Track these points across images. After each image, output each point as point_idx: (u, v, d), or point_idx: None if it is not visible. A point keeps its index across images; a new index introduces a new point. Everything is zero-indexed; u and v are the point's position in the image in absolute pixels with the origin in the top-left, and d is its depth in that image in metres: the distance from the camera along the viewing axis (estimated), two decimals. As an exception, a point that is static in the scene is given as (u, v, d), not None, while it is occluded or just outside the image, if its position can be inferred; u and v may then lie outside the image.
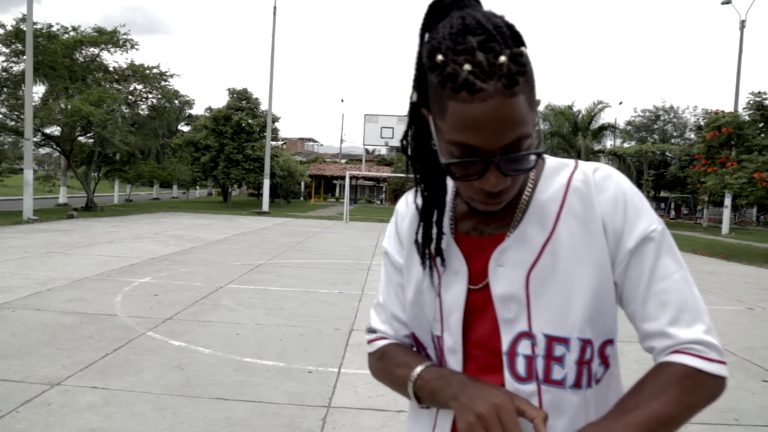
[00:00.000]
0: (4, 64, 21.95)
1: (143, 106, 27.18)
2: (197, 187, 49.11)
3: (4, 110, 22.00)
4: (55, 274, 7.72)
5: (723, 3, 24.16)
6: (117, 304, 6.12)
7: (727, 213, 24.65)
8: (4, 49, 21.66)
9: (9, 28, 21.16)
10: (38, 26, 20.90)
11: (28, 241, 11.24)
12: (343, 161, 56.11)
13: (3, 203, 24.68)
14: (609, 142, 38.38)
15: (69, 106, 20.58)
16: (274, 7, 25.67)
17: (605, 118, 34.07)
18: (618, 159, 33.40)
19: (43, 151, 30.39)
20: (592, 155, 32.92)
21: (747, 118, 16.56)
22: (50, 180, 26.47)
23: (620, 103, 60.00)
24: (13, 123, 21.76)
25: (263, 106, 30.47)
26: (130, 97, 25.20)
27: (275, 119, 31.11)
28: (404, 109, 0.91)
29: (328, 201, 46.15)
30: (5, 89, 21.97)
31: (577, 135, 32.45)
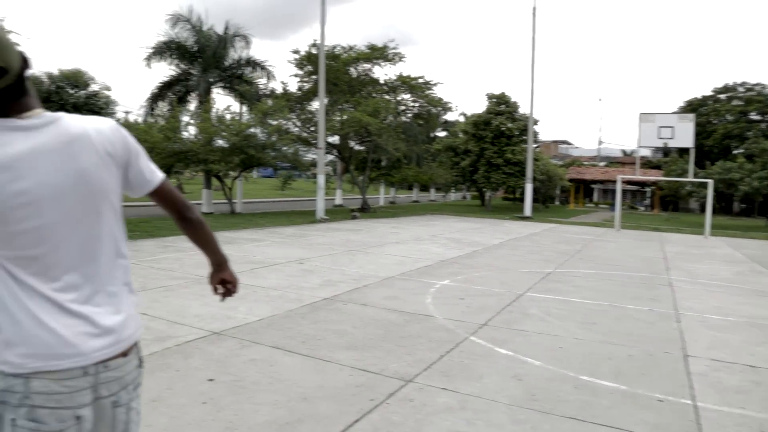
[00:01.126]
0: (299, 83, 25.29)
1: (409, 114, 28.99)
2: (452, 191, 50.87)
3: (299, 123, 25.33)
4: (364, 271, 8.44)
5: None
6: (429, 305, 6.38)
7: None
8: (299, 71, 24.95)
9: (302, 53, 24.28)
10: (325, 49, 23.65)
11: (329, 239, 12.63)
12: (602, 164, 52.86)
13: (291, 204, 28.49)
14: None
15: (344, 117, 22.96)
16: (534, 8, 25.21)
17: None
18: None
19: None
20: None
21: None
22: (329, 183, 29.85)
23: None
24: (306, 134, 24.93)
25: (521, 110, 30.18)
26: (399, 106, 27.01)
27: (535, 122, 30.54)
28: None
29: (587, 206, 43.84)
30: (298, 105, 25.26)
31: None
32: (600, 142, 54.74)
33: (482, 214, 27.27)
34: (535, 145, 38.04)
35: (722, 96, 42.41)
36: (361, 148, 27.04)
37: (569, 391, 3.95)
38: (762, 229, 23.21)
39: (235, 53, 23.02)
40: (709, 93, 43.31)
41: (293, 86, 25.09)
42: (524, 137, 28.86)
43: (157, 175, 1.58)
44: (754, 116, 40.68)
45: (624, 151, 66.24)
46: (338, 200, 29.85)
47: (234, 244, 10.85)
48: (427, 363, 4.39)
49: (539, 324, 5.78)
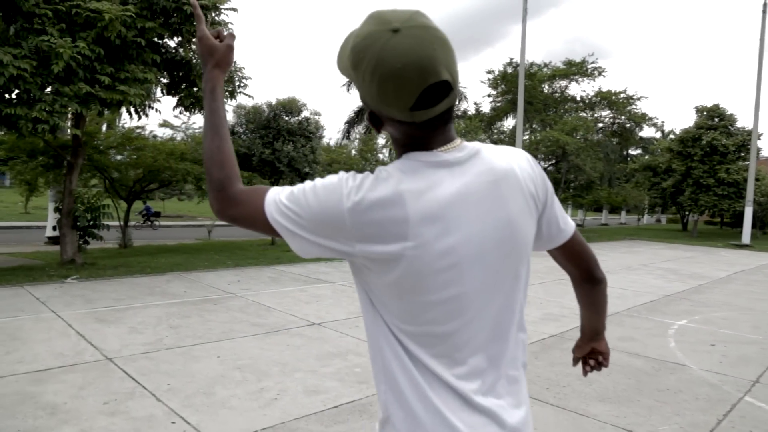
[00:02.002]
0: (491, 103, 25.11)
1: (606, 132, 27.26)
2: (646, 214, 46.89)
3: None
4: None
5: None
6: (676, 351, 5.66)
7: None
8: (492, 91, 24.77)
9: (496, 72, 24.06)
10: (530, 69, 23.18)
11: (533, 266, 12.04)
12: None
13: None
14: None
15: (538, 136, 22.13)
16: (765, 4, 22.12)
17: None
18: None
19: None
20: None
21: None
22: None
23: None
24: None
25: (739, 123, 26.79)
26: (599, 124, 25.55)
27: (758, 136, 26.92)
28: None
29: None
30: (490, 126, 25.03)
31: None
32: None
33: (687, 240, 24.57)
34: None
35: None
36: (552, 167, 26.00)
37: None
38: None
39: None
40: None
41: (486, 106, 24.98)
42: (741, 154, 25.59)
43: (570, 224, 1.25)
44: None
45: None
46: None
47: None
48: (704, 428, 3.76)
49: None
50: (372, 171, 1.03)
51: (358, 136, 23.26)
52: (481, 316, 1.07)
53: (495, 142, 24.75)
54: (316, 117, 15.66)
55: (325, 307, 7.08)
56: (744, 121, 25.98)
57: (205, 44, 1.19)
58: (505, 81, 23.20)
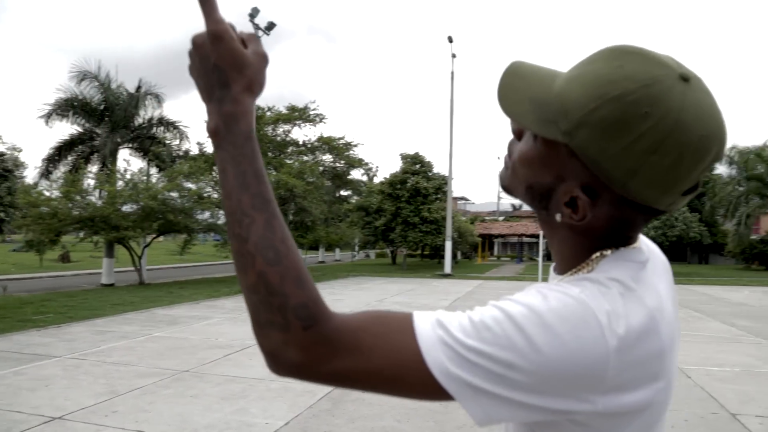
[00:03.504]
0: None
1: (327, 175, 28.86)
2: (356, 251, 50.83)
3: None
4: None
5: None
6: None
7: None
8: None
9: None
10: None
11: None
12: (501, 218, 55.44)
13: (195, 270, 26.90)
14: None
15: (272, 179, 22.30)
16: (452, 72, 26.34)
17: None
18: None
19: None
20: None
21: None
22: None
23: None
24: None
25: (436, 169, 31.05)
26: (321, 167, 26.84)
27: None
28: None
29: (490, 260, 45.40)
30: (214, 167, 24.23)
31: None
32: (499, 197, 57.49)
33: (400, 273, 27.23)
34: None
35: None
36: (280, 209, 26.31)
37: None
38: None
39: (146, 112, 21.83)
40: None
41: (210, 147, 24.15)
42: (438, 196, 29.55)
43: None
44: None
45: (513, 206, 70.07)
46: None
47: (180, 325, 9.77)
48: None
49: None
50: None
51: (60, 174, 20.25)
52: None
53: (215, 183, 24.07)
54: (16, 152, 13.11)
55: (61, 392, 5.49)
56: (439, 167, 30.40)
57: (229, 49, 0.68)
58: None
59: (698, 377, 6.30)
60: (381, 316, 0.65)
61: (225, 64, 0.67)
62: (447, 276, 24.63)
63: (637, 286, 0.68)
